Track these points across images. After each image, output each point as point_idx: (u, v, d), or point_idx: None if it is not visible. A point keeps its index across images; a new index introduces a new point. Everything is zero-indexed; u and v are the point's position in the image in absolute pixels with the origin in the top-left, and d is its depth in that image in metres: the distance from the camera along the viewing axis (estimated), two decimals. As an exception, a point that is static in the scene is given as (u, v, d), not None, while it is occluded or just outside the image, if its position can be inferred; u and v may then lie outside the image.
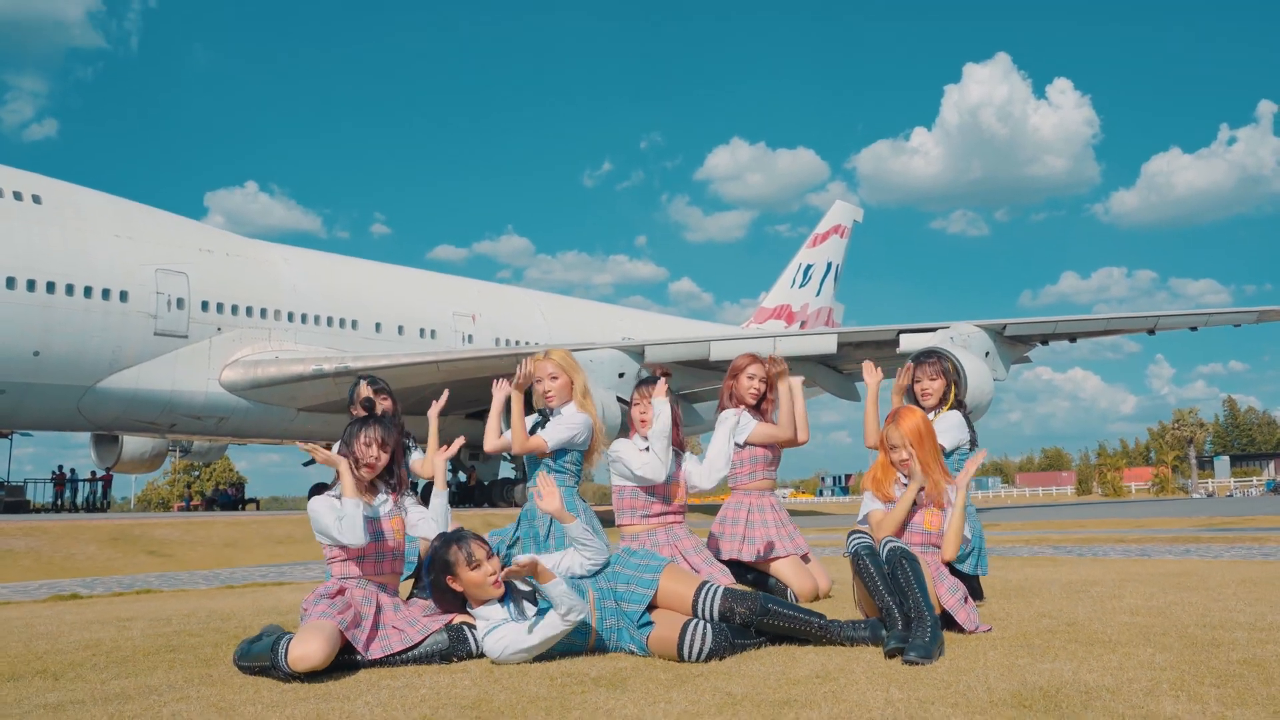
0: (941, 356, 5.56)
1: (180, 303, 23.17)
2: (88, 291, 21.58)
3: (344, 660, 3.66)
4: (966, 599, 4.03)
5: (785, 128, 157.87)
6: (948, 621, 3.92)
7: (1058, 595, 5.25)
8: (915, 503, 4.22)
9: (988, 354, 23.06)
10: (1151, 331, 26.09)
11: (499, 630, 3.71)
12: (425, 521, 4.31)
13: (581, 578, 3.99)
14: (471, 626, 3.84)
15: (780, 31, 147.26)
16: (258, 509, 34.88)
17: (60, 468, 33.01)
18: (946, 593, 3.96)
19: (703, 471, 5.24)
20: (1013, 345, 24.95)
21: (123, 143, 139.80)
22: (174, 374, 23.18)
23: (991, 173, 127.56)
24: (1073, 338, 26.89)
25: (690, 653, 3.58)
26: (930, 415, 5.25)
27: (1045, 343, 26.57)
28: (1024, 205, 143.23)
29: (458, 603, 3.93)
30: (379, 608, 3.86)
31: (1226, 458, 75.79)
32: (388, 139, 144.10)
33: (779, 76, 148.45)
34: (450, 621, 3.89)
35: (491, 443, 5.04)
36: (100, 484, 32.04)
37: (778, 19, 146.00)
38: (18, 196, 21.35)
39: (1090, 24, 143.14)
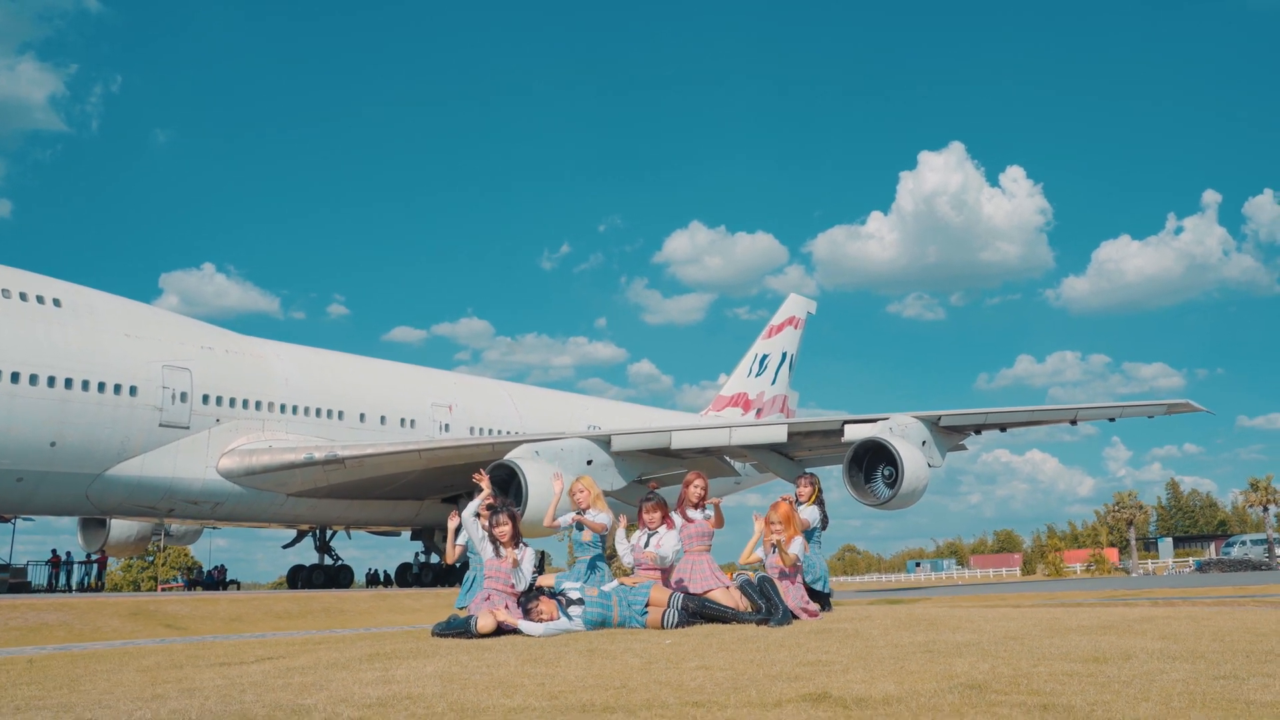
0: (810, 473, 9.57)
1: (183, 396, 25.30)
2: (101, 387, 23.67)
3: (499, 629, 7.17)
4: (806, 603, 7.43)
5: (744, 212, 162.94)
6: (795, 615, 7.16)
7: (879, 612, 8.07)
8: (776, 549, 7.57)
9: (924, 443, 25.00)
10: (1073, 422, 28.51)
11: (554, 624, 7.34)
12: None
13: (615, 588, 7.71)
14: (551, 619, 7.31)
15: (740, 117, 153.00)
16: (238, 589, 36.54)
17: (54, 551, 34.52)
18: (792, 601, 7.26)
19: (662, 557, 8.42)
20: (948, 434, 27.06)
21: (79, 224, 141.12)
22: (175, 462, 25.17)
23: (947, 258, 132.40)
24: (1003, 427, 29.17)
25: (666, 625, 7.06)
26: (800, 505, 9.01)
27: (978, 432, 28.89)
28: (979, 289, 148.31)
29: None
30: (506, 607, 7.42)
31: (1170, 539, 78.26)
32: (346, 220, 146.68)
33: (738, 161, 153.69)
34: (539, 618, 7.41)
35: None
36: (96, 565, 33.51)
37: (738, 106, 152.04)
38: (40, 300, 23.61)
39: (1041, 115, 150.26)
